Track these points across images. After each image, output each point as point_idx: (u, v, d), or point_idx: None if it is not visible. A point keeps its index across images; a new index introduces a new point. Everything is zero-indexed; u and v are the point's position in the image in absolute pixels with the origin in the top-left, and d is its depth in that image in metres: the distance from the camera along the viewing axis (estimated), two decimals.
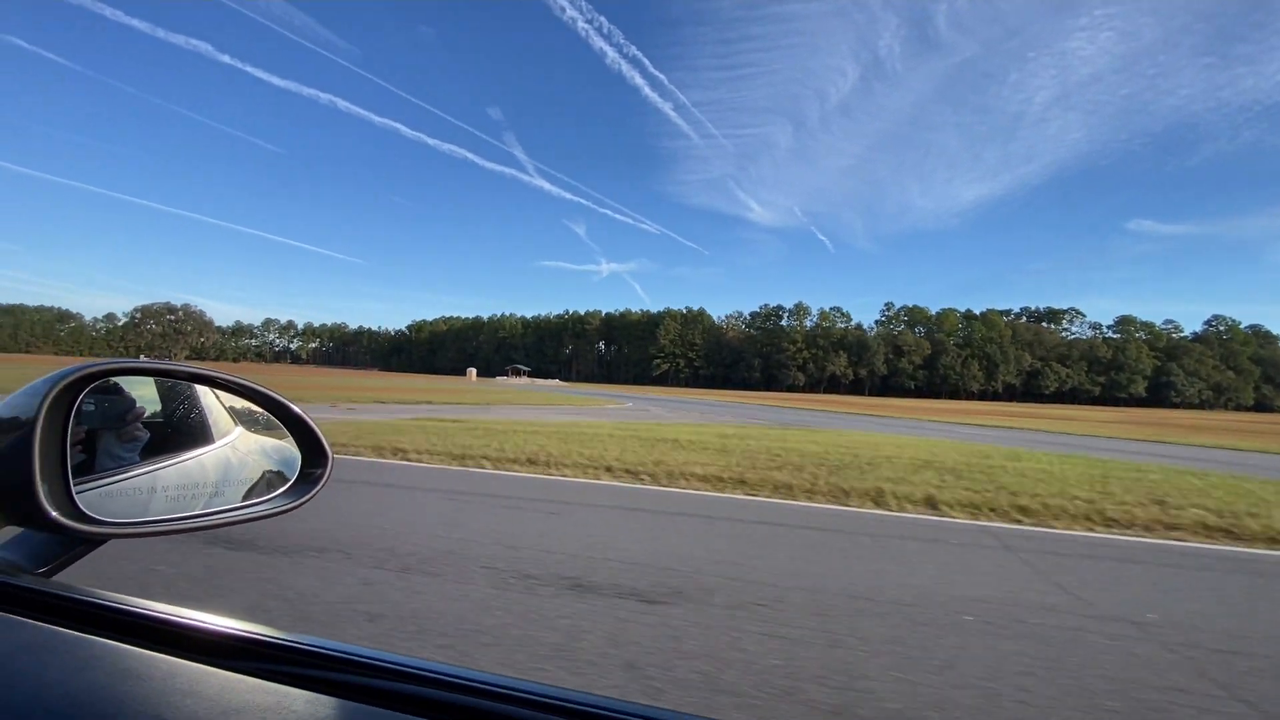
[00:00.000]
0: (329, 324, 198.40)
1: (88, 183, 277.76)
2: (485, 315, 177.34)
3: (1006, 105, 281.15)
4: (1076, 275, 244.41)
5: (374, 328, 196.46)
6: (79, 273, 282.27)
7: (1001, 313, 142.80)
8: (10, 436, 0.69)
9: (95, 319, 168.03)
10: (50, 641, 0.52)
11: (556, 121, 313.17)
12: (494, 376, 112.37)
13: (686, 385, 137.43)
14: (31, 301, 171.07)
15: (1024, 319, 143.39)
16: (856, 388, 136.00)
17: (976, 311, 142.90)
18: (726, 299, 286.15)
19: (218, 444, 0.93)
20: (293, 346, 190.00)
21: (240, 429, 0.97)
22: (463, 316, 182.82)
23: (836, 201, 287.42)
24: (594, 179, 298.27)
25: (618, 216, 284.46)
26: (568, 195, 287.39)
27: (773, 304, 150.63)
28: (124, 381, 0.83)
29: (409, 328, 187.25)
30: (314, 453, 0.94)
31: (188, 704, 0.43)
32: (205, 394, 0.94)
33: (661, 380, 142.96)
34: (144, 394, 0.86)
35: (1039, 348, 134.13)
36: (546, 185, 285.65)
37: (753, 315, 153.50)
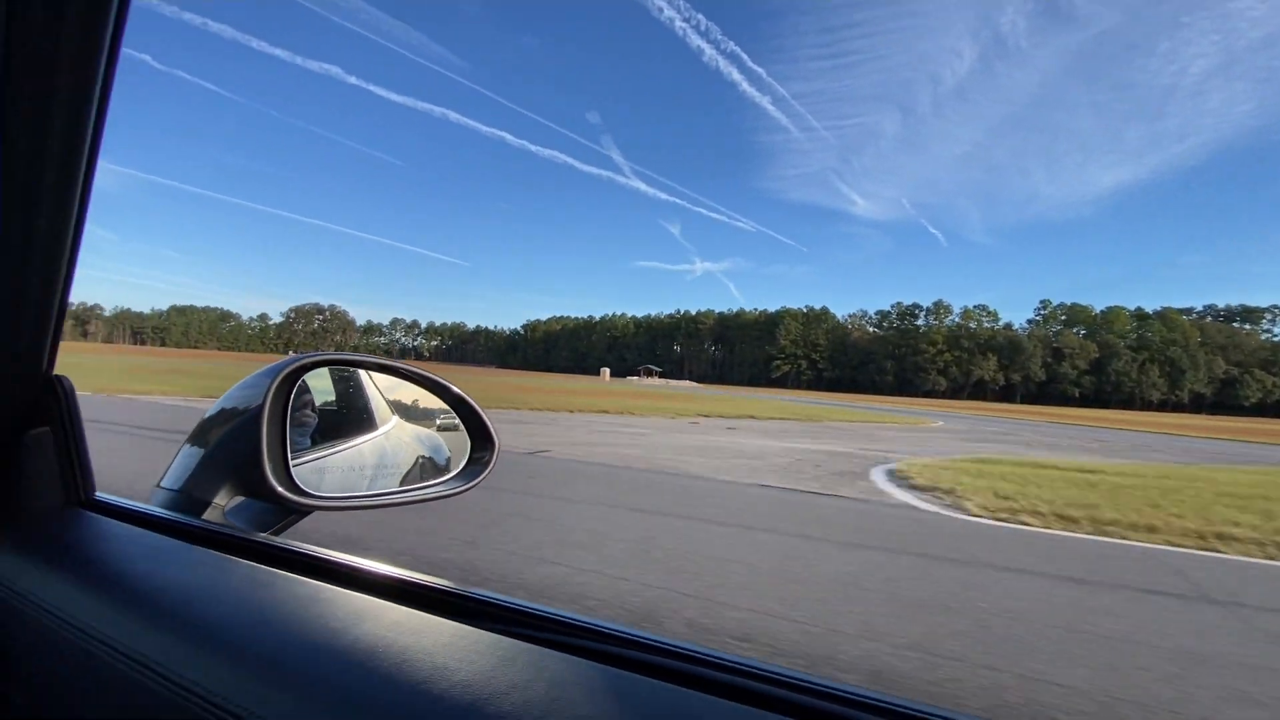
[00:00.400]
0: (449, 323, 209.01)
1: (239, 198, 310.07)
2: (596, 315, 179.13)
3: (1154, 79, 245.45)
4: (1240, 269, 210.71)
5: (490, 327, 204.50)
6: (234, 278, 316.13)
7: (1180, 311, 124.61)
8: (242, 419, 0.81)
9: (250, 319, 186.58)
10: (285, 584, 0.58)
11: (652, 122, 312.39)
12: (625, 376, 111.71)
13: (809, 388, 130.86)
14: (199, 303, 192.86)
15: (1209, 318, 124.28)
16: (1006, 394, 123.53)
17: (1149, 310, 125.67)
18: (824, 297, 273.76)
19: (378, 431, 1.02)
20: (417, 344, 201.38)
21: (396, 418, 1.05)
22: (574, 316, 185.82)
23: (949, 192, 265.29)
24: (689, 178, 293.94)
25: (712, 215, 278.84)
26: (663, 195, 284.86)
27: (907, 302, 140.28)
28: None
29: (524, 327, 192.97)
30: (482, 440, 1.01)
31: (406, 642, 0.46)
32: (369, 386, 1.01)
33: (781, 383, 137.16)
34: (318, 385, 0.94)
35: (1234, 351, 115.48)
36: (642, 186, 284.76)
37: (879, 314, 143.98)
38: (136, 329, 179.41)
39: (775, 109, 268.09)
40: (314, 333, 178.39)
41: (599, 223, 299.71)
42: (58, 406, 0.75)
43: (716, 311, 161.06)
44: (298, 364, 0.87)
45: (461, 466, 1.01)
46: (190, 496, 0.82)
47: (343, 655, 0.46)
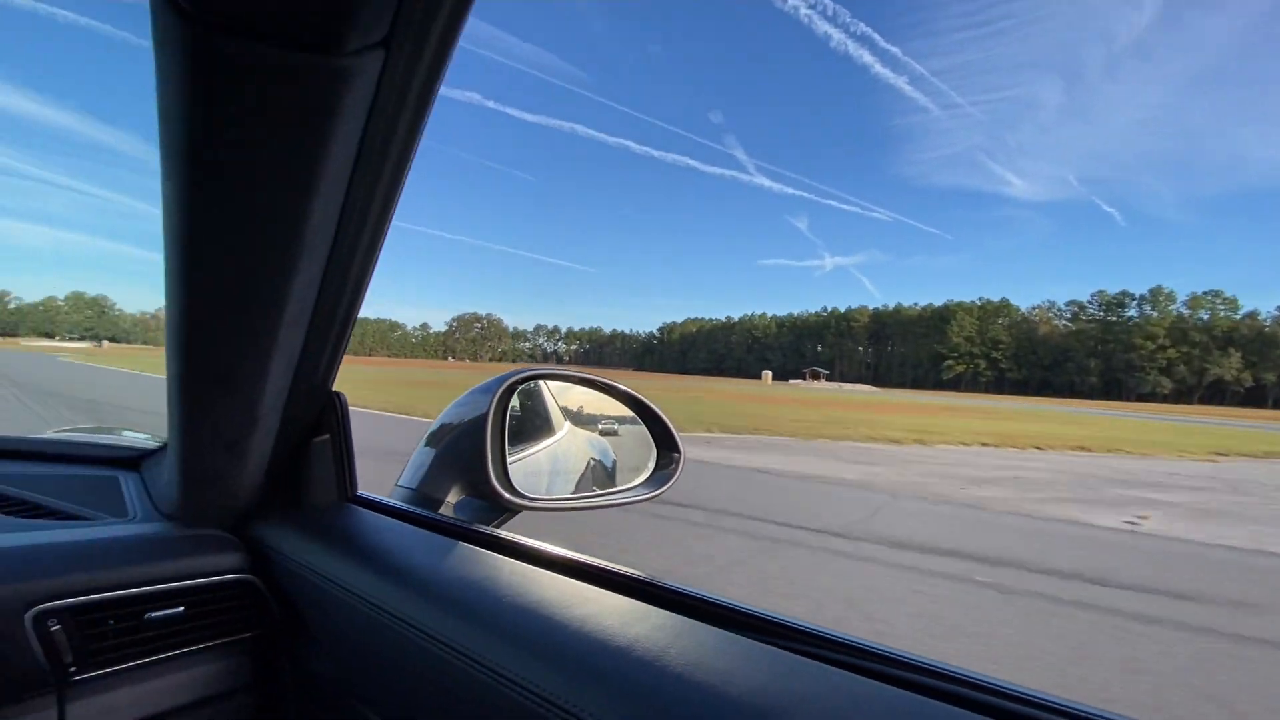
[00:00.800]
0: (586, 328, 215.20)
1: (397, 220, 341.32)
2: (731, 316, 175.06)
3: None
4: None
5: (626, 331, 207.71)
6: (397, 290, 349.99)
7: None
8: (469, 427, 0.91)
9: (414, 328, 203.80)
10: (524, 573, 0.65)
11: (776, 117, 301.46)
12: (786, 380, 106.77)
13: (989, 390, 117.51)
14: (372, 315, 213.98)
15: None
16: (1254, 397, 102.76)
17: None
18: (974, 288, 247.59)
19: (556, 437, 1.07)
20: (557, 349, 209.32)
21: (568, 424, 1.09)
22: (710, 318, 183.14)
23: (1127, 164, 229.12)
24: (816, 170, 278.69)
25: (842, 206, 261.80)
26: (788, 190, 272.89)
27: (1112, 290, 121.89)
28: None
29: (659, 330, 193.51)
30: (668, 447, 1.04)
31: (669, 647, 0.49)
32: (546, 393, 1.06)
33: (954, 385, 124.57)
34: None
35: None
36: (766, 182, 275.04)
37: (1073, 305, 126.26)
38: None
39: (913, 89, 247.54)
40: (473, 340, 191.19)
41: (723, 223, 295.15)
42: (336, 418, 0.88)
43: (870, 308, 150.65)
44: (517, 378, 0.95)
45: (650, 473, 1.04)
46: (424, 494, 0.93)
47: (620, 654, 0.49)
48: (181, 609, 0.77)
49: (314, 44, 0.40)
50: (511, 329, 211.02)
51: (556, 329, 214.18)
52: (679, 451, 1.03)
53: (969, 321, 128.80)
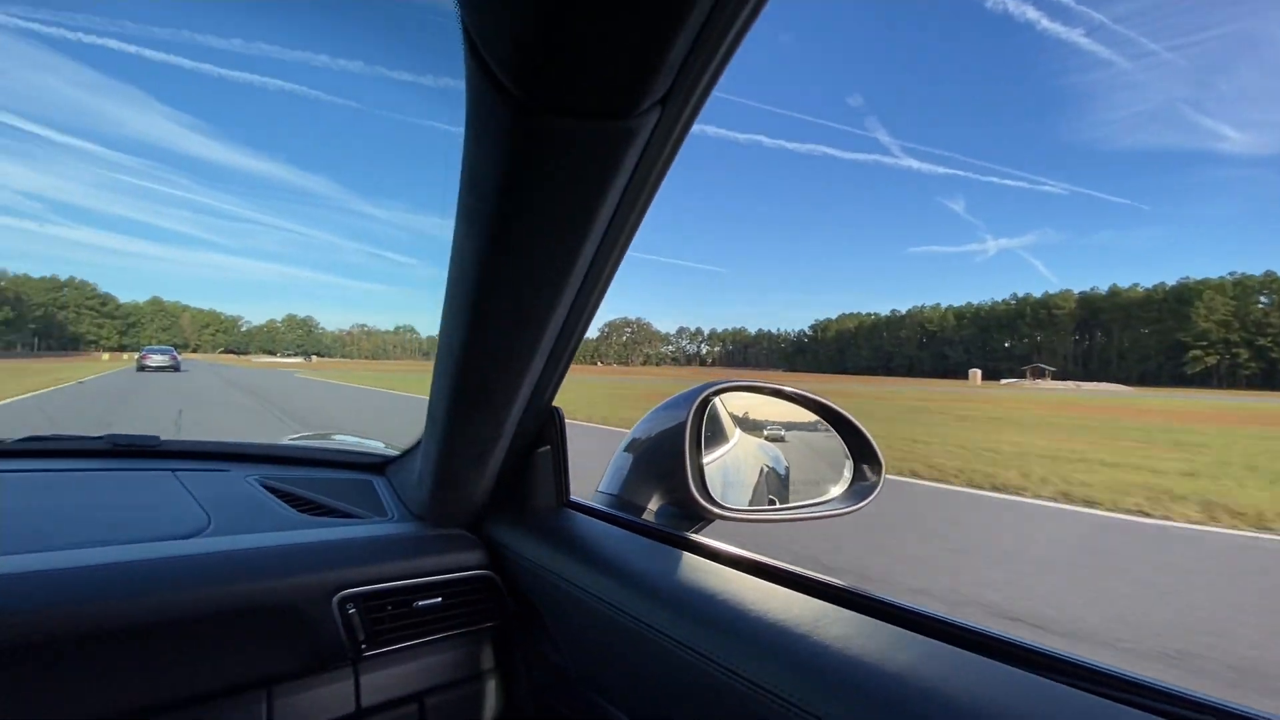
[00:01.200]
0: (729, 329, 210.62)
1: None
2: (895, 310, 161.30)
3: None
4: None
5: (772, 330, 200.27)
6: None
7: None
8: (667, 437, 0.94)
9: None
10: (728, 578, 0.68)
11: (924, 93, 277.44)
12: (997, 379, 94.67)
13: (1252, 386, 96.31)
14: None
15: None
16: None
17: None
18: (1180, 266, 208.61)
19: (729, 445, 1.05)
20: (702, 351, 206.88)
21: (739, 432, 1.07)
22: (869, 313, 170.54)
23: None
24: (973, 145, 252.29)
25: (1007, 182, 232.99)
26: (940, 170, 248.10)
27: None
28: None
29: (812, 328, 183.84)
30: (867, 460, 1.00)
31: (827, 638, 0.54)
32: (718, 403, 1.04)
33: (1202, 381, 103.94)
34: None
35: None
36: (915, 164, 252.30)
37: None
38: None
39: (1090, 40, 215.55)
40: (624, 344, 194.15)
41: (867, 212, 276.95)
42: (555, 430, 0.95)
43: (1076, 292, 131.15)
44: (713, 390, 0.97)
45: (848, 485, 1.01)
46: (625, 500, 0.98)
47: (857, 666, 0.50)
48: (440, 599, 0.89)
49: (611, 111, 0.43)
50: (653, 332, 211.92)
51: (699, 331, 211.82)
52: (880, 464, 0.99)
53: (1221, 302, 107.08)
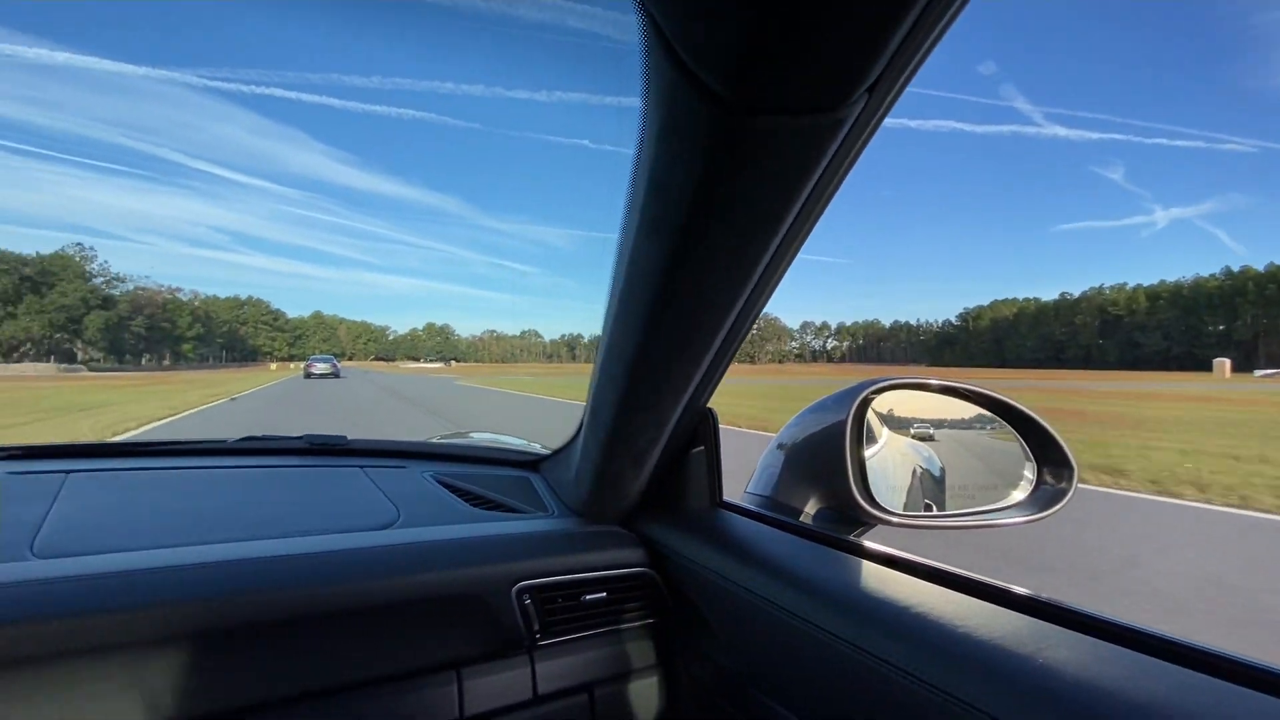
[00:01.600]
0: (860, 322, 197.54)
1: None
2: (1074, 292, 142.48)
3: None
4: None
5: (911, 322, 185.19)
6: None
7: None
8: (825, 437, 0.90)
9: None
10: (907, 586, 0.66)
11: (1071, 48, 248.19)
12: (1249, 370, 78.74)
13: None
14: None
15: None
16: None
17: None
18: None
19: (879, 444, 0.98)
20: (828, 346, 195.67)
21: (886, 431, 1.00)
22: (1029, 298, 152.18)
23: None
24: (1132, 102, 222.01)
25: (1177, 144, 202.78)
26: (1093, 135, 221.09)
27: None
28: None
29: (960, 316, 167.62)
30: (1053, 462, 0.90)
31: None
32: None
33: None
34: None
35: None
36: (1061, 130, 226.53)
37: None
38: (571, 347, 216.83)
39: None
40: (751, 340, 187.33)
41: (1003, 190, 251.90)
42: (709, 431, 0.95)
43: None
44: (874, 388, 0.92)
45: (1031, 490, 0.91)
46: (778, 501, 0.96)
47: (1051, 675, 0.48)
48: (604, 594, 0.91)
49: (822, 103, 0.41)
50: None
51: (825, 325, 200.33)
52: (1071, 467, 0.88)
53: None
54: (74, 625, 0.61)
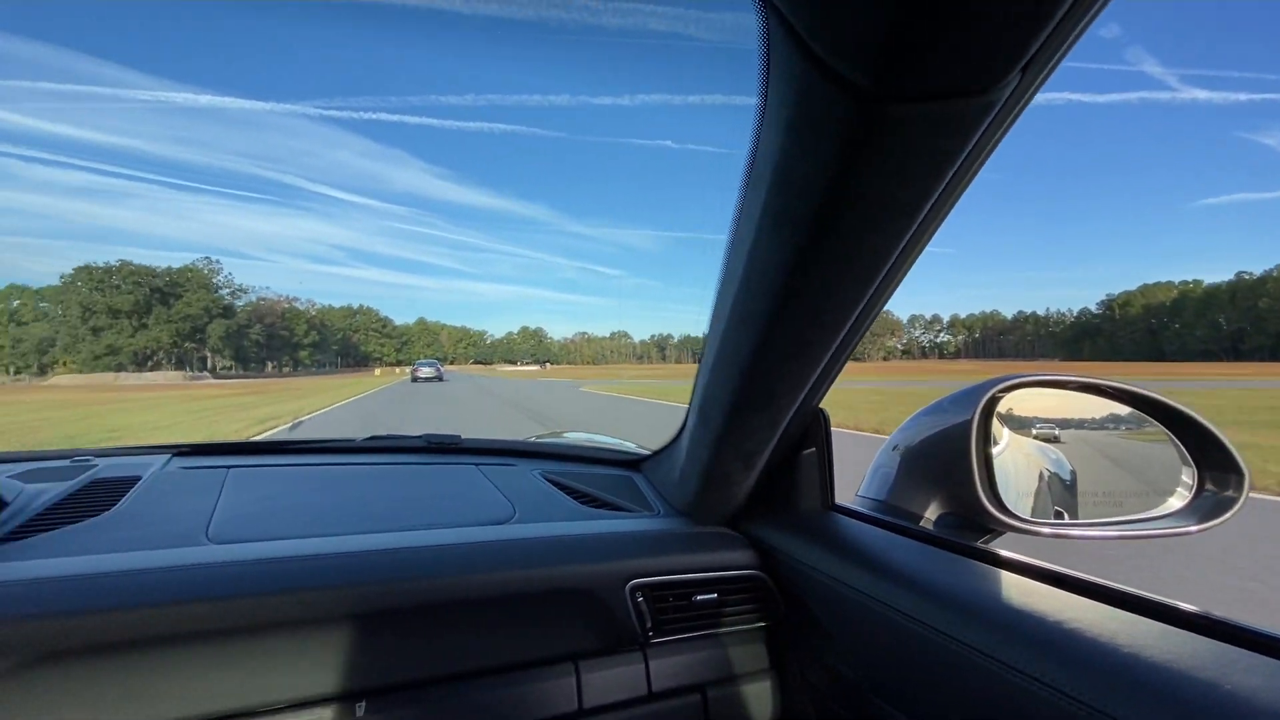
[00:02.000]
0: (976, 314, 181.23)
1: None
2: (1254, 271, 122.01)
3: None
4: None
5: (1039, 312, 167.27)
6: None
7: None
8: (948, 438, 0.85)
9: None
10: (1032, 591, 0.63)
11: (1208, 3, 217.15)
12: None
13: None
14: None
15: None
16: None
17: None
18: None
19: (1001, 445, 0.93)
20: (941, 340, 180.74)
21: (1008, 431, 0.94)
22: (1192, 280, 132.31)
23: None
24: None
25: None
26: (1241, 97, 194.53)
27: None
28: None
29: (1102, 305, 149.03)
30: (1216, 467, 0.80)
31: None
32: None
33: None
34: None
35: None
36: (1202, 94, 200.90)
37: None
38: (693, 350, 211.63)
39: None
40: (865, 337, 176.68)
41: (1133, 164, 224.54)
42: (820, 432, 0.93)
43: None
44: (1003, 386, 0.85)
45: (1191, 498, 0.82)
46: (894, 505, 0.91)
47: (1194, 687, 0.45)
48: (715, 595, 0.90)
49: (971, 86, 0.39)
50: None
51: (936, 318, 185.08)
52: (1242, 473, 0.78)
53: None
54: (252, 604, 0.68)
